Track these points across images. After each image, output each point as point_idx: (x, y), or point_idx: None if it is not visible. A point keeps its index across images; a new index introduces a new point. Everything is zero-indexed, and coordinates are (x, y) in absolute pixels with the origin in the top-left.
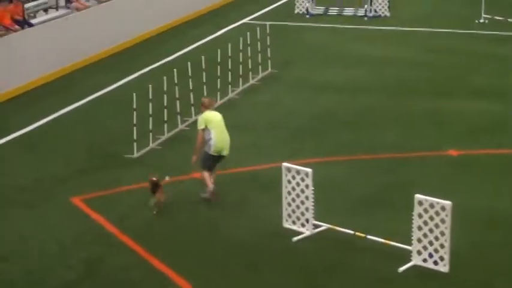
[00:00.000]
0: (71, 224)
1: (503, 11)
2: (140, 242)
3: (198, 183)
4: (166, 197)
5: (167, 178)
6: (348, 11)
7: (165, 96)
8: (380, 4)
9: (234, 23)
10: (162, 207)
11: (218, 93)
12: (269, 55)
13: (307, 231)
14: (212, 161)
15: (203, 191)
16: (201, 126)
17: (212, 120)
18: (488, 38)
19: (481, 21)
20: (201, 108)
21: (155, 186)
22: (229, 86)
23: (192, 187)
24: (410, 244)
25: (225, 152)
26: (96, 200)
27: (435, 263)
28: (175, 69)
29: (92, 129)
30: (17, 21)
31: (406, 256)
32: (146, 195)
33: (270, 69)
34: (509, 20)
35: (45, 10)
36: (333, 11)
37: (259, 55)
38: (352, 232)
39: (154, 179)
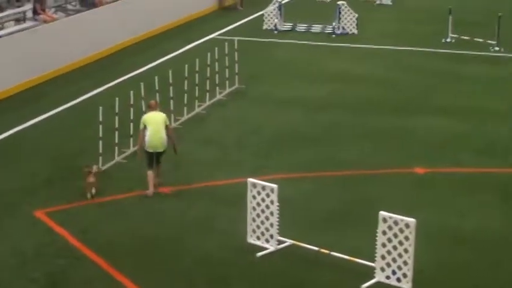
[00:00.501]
0: (34, 237)
1: (470, 31)
2: (103, 255)
3: (164, 198)
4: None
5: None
6: (316, 28)
7: (132, 109)
8: (348, 21)
9: (203, 37)
10: (91, 190)
11: (185, 108)
12: (237, 70)
13: (271, 247)
14: (149, 158)
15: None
16: (141, 126)
17: (150, 121)
18: (454, 57)
19: (448, 40)
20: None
21: (86, 173)
22: (196, 101)
23: (157, 201)
24: (374, 261)
25: (159, 150)
26: (60, 213)
27: (398, 280)
28: (142, 83)
29: (60, 141)
30: None
31: (369, 273)
32: (110, 209)
33: (237, 85)
34: (475, 39)
35: (18, 20)
36: (301, 27)
37: (227, 70)
38: (316, 248)
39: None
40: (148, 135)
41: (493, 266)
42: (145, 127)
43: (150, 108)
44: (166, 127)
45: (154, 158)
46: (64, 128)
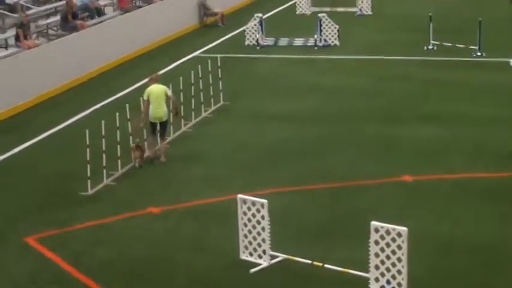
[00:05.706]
0: (27, 263)
1: (451, 37)
2: (96, 279)
3: (153, 218)
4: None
5: None
6: (298, 41)
7: (118, 131)
8: (330, 33)
9: (186, 56)
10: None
11: (171, 126)
12: (221, 87)
13: (264, 263)
14: (152, 126)
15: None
16: (145, 97)
17: (152, 93)
18: (437, 64)
19: (430, 47)
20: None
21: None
22: (182, 119)
23: (147, 222)
24: (368, 271)
25: (163, 119)
26: (51, 239)
27: None
28: (127, 105)
29: (46, 166)
30: None
31: (364, 283)
32: (101, 232)
33: (222, 102)
34: (457, 45)
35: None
36: (283, 41)
37: (211, 88)
38: (309, 262)
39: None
40: (151, 108)
41: (488, 271)
42: (148, 99)
43: (152, 80)
44: (168, 97)
45: (157, 127)
46: (52, 152)
